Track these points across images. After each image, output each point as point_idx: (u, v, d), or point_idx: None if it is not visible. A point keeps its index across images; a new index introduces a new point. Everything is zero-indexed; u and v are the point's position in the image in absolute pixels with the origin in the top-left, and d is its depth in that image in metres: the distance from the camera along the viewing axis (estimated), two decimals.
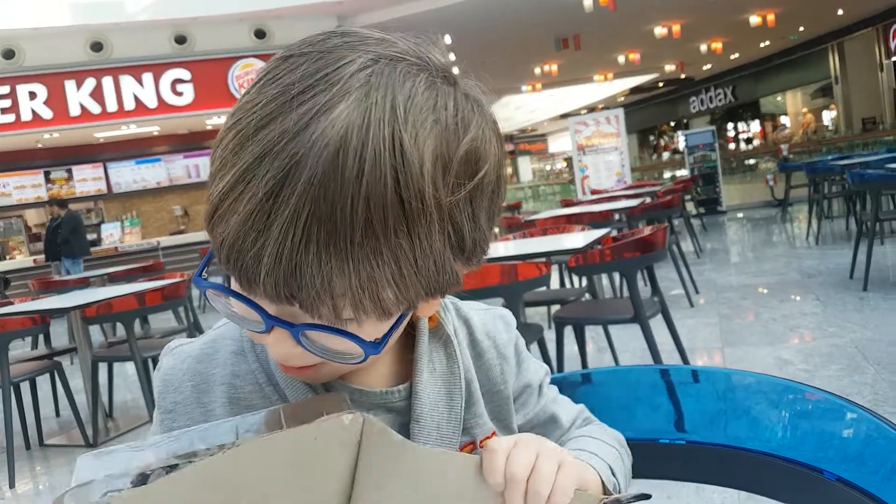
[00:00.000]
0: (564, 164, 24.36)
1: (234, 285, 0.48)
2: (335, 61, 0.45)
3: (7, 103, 10.47)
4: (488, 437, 0.64)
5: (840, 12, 14.16)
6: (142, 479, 0.42)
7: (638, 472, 0.78)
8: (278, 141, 0.43)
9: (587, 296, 3.64)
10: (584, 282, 4.11)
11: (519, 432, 0.68)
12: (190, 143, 13.41)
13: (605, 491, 0.58)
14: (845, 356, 3.27)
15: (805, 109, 19.97)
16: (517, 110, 21.92)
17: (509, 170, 29.21)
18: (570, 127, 11.10)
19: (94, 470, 0.43)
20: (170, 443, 0.46)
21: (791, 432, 0.79)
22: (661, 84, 21.24)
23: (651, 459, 0.82)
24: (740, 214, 10.98)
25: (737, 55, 17.71)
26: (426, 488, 0.48)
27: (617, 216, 5.11)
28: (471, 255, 0.50)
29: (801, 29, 15.54)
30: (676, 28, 12.75)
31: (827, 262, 5.67)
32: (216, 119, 12.12)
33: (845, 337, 3.56)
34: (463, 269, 0.51)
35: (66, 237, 8.79)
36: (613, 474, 0.63)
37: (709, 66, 18.92)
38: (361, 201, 0.42)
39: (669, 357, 3.18)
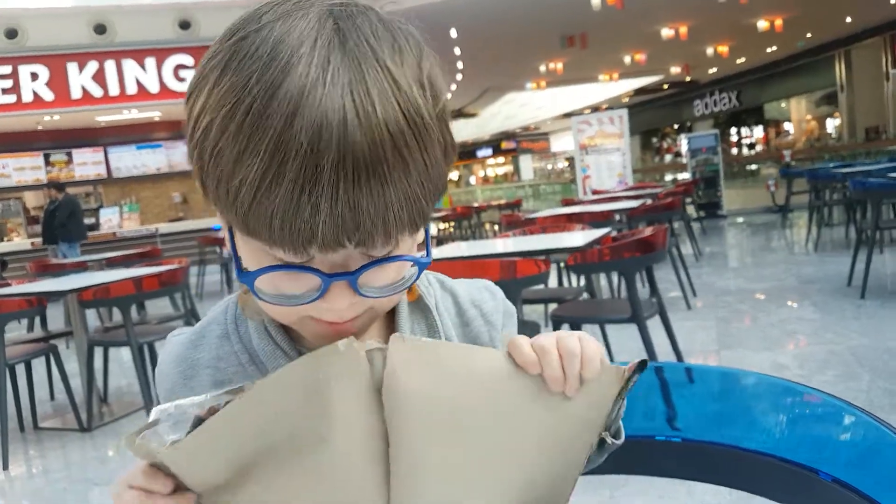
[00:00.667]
0: (566, 163, 24.33)
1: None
2: (298, 19, 0.51)
3: (8, 84, 10.44)
4: None
5: (848, 20, 14.13)
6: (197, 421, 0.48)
7: (633, 468, 0.78)
8: (293, 112, 0.47)
9: (585, 295, 3.63)
10: (583, 281, 4.11)
11: None
12: None
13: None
14: (841, 362, 3.28)
15: (809, 116, 19.95)
16: (521, 107, 21.88)
17: (510, 168, 29.21)
18: (574, 126, 11.08)
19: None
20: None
21: (788, 432, 0.79)
22: (665, 86, 21.20)
23: (646, 456, 0.81)
24: (740, 219, 10.99)
25: (743, 59, 17.67)
26: (460, 387, 0.51)
27: (617, 217, 5.10)
28: (450, 159, 0.56)
29: (809, 35, 15.50)
30: (683, 30, 12.71)
31: (825, 269, 5.68)
32: None
33: (842, 344, 3.57)
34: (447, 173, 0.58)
35: (63, 221, 8.77)
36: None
37: (714, 69, 18.89)
38: (385, 134, 0.48)
39: (665, 359, 3.18)
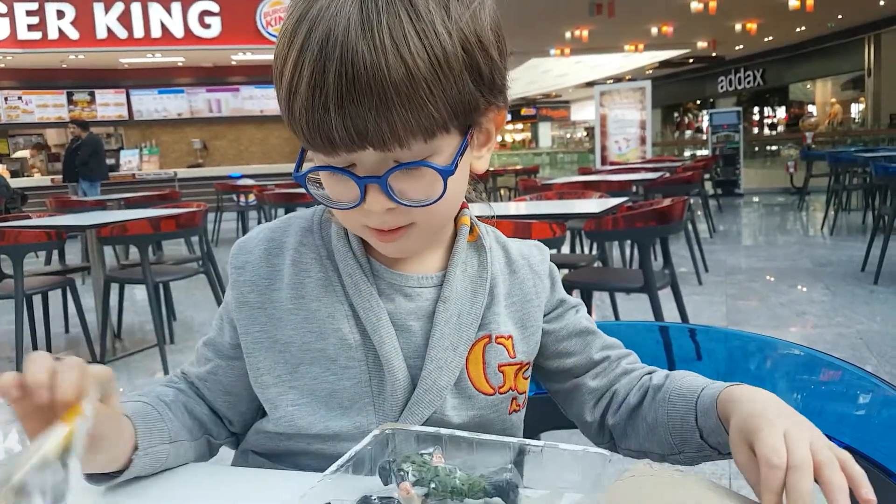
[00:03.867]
0: (585, 133, 24.05)
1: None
2: None
3: (34, 20, 10.40)
4: (502, 337, 0.75)
5: (881, 2, 13.74)
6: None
7: None
8: (312, 27, 0.56)
9: (598, 263, 3.64)
10: (595, 250, 4.11)
11: (557, 338, 0.79)
12: (214, 76, 13.31)
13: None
14: (849, 346, 3.29)
15: (833, 100, 19.55)
16: (543, 74, 21.56)
17: (528, 135, 28.92)
18: (596, 95, 10.93)
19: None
20: None
21: (803, 400, 0.81)
22: (691, 60, 20.80)
23: None
24: (757, 199, 10.89)
25: (770, 38, 17.26)
26: None
27: (634, 188, 5.08)
28: (486, 79, 0.61)
29: (840, 17, 15.10)
30: (713, 4, 12.40)
31: (840, 254, 5.65)
32: (241, 55, 12.00)
33: (851, 327, 3.57)
34: (489, 101, 0.63)
35: (85, 159, 8.79)
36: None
37: (741, 46, 18.47)
38: (387, 41, 0.54)
39: None
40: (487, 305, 0.73)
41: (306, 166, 0.65)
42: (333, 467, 0.54)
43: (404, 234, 0.65)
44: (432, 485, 0.53)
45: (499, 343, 0.74)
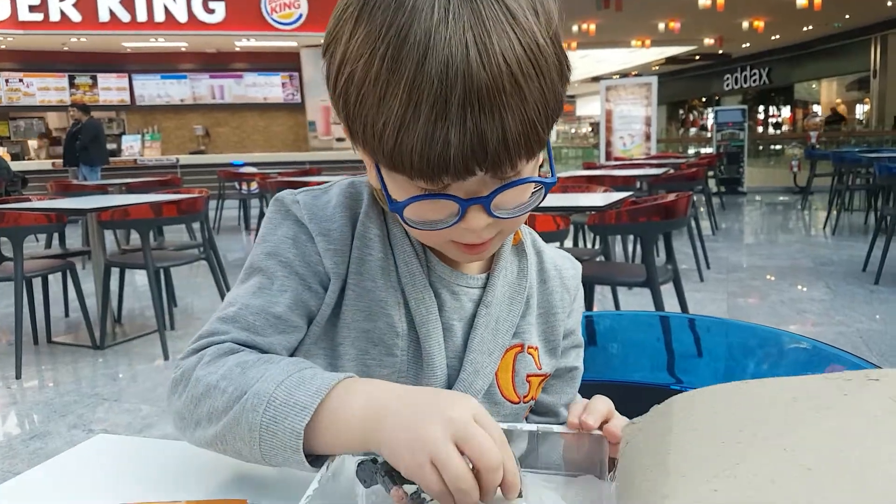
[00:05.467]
0: (590, 128, 23.99)
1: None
2: None
3: (36, 1, 10.34)
4: (532, 348, 0.75)
5: (889, 3, 13.68)
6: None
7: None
8: (423, 54, 0.52)
9: (601, 258, 3.63)
10: (599, 245, 4.10)
11: (552, 373, 0.79)
12: (217, 62, 13.26)
13: None
14: (850, 344, 3.28)
15: (839, 100, 19.50)
16: None
17: None
18: (602, 90, 10.88)
19: None
20: None
21: None
22: (697, 57, 20.73)
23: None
24: (760, 197, 10.87)
25: (777, 36, 17.20)
26: None
27: (639, 183, 5.06)
28: (566, 77, 0.59)
29: (847, 17, 15.04)
30: (721, 1, 12.36)
31: (841, 253, 5.64)
32: (245, 41, 11.95)
33: (852, 326, 3.57)
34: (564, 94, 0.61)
35: (85, 144, 8.75)
36: None
37: (748, 44, 18.41)
38: (503, 66, 0.52)
39: None
40: (522, 314, 0.73)
41: (396, 192, 0.60)
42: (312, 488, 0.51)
43: (489, 245, 0.64)
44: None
45: (529, 353, 0.74)
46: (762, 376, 0.88)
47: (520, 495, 0.50)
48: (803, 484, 0.39)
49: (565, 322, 0.78)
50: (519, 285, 0.73)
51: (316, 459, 0.55)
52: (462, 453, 0.48)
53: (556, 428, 0.61)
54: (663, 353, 1.01)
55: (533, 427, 0.61)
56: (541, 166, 0.64)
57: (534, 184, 0.61)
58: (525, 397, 0.74)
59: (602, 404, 0.62)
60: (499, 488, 0.49)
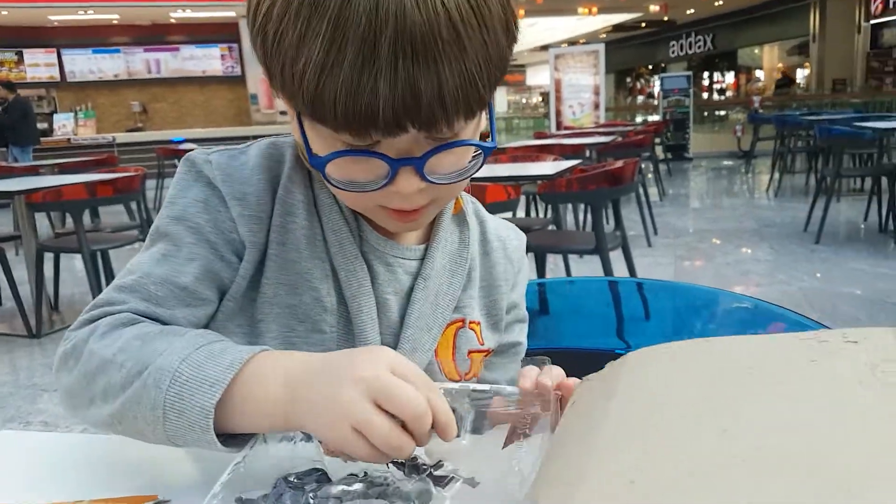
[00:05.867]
0: (541, 98, 24.09)
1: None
2: None
3: None
4: (473, 323, 0.71)
5: None
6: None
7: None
8: None
9: (552, 227, 3.64)
10: (549, 214, 4.12)
11: (495, 348, 0.75)
12: (152, 35, 12.77)
13: None
14: (792, 303, 3.37)
15: (780, 65, 19.99)
16: None
17: None
18: (550, 58, 10.88)
19: None
20: None
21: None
22: (643, 24, 20.92)
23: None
24: (705, 162, 11.10)
25: (721, 2, 17.48)
26: None
27: (588, 152, 5.09)
28: (512, 36, 0.55)
29: None
30: None
31: (783, 215, 5.80)
32: (181, 13, 11.51)
33: (794, 285, 3.67)
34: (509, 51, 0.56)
35: (13, 123, 8.36)
36: None
37: (692, 10, 18.66)
38: (440, 10, 0.48)
39: None
40: (463, 287, 0.69)
41: (320, 146, 0.55)
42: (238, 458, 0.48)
43: (422, 213, 0.60)
44: None
45: (471, 328, 0.70)
46: (708, 336, 0.87)
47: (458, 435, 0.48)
48: (732, 479, 0.33)
49: (508, 295, 0.74)
50: (460, 256, 0.69)
51: (230, 439, 0.50)
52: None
53: (509, 389, 0.57)
54: (613, 318, 1.01)
55: (486, 387, 0.57)
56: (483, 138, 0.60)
57: (473, 148, 0.57)
58: (467, 375, 0.70)
59: (557, 370, 0.59)
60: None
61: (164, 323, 0.58)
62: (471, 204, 0.73)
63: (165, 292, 0.59)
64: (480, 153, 0.58)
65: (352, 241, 0.63)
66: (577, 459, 0.40)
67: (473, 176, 0.60)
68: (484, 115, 0.58)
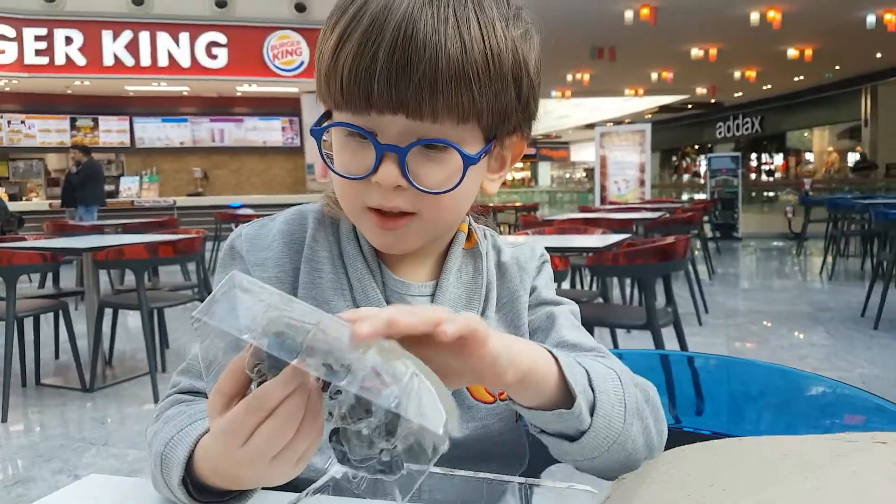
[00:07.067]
0: (584, 174, 24.26)
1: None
2: None
3: (42, 45, 10.53)
4: None
5: (879, 55, 14.02)
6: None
7: None
8: (382, 4, 0.57)
9: (599, 299, 3.61)
10: (596, 287, 4.09)
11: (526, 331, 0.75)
12: (218, 107, 13.42)
13: (565, 382, 0.55)
14: None
15: (831, 148, 19.81)
16: (546, 115, 21.77)
17: (528, 174, 29.16)
18: (596, 136, 11.04)
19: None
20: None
21: (815, 425, 0.78)
22: (689, 106, 21.12)
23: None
24: (755, 242, 10.92)
25: (769, 86, 17.58)
26: None
27: (635, 227, 5.08)
28: (520, 82, 0.61)
29: (837, 67, 15.40)
30: (713, 51, 12.66)
31: (838, 299, 5.63)
32: (247, 87, 12.12)
33: (853, 371, 3.53)
34: (519, 122, 0.64)
35: (84, 184, 8.80)
36: (591, 383, 0.58)
37: (740, 93, 18.80)
38: (450, 15, 0.57)
39: None
40: (482, 312, 0.71)
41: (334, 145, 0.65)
42: (311, 488, 0.50)
43: (404, 226, 0.63)
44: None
45: None
46: (777, 419, 0.86)
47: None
48: None
49: (527, 294, 0.75)
50: (475, 283, 0.72)
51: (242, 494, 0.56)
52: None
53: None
54: (664, 394, 0.98)
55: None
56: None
57: (461, 169, 0.61)
58: (501, 394, 0.69)
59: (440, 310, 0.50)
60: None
61: (205, 394, 0.65)
62: (490, 238, 0.77)
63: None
64: (462, 167, 0.61)
65: (374, 287, 0.68)
66: None
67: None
68: (498, 175, 0.68)
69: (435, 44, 0.55)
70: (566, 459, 0.59)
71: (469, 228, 0.74)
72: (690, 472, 0.46)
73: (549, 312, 0.74)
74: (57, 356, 4.31)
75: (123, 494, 0.65)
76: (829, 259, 7.19)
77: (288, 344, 0.40)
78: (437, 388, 0.40)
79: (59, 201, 9.76)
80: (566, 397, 0.55)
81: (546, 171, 28.96)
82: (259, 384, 0.45)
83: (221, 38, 10.94)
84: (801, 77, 16.39)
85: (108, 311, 3.97)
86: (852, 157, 18.65)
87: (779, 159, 22.14)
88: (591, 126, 18.04)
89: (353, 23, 0.57)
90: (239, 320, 0.41)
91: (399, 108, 0.57)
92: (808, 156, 20.88)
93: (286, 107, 13.07)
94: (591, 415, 0.56)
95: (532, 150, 28.63)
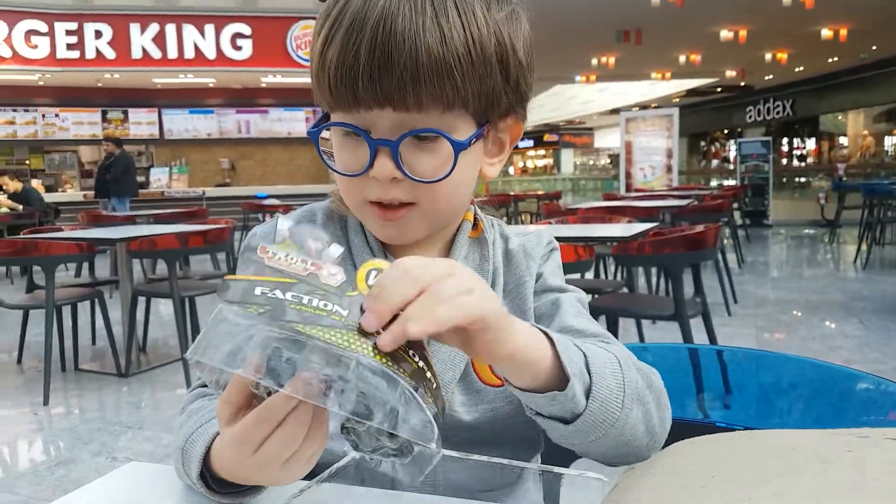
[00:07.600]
0: (609, 160, 23.98)
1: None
2: None
3: (73, 39, 10.72)
4: None
5: None
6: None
7: None
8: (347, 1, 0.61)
9: (625, 289, 3.59)
10: (621, 277, 4.05)
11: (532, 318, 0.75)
12: (244, 98, 13.55)
13: (560, 364, 0.55)
14: None
15: (866, 132, 19.31)
16: (569, 100, 21.63)
17: (550, 161, 28.93)
18: (622, 121, 10.91)
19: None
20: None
21: (849, 420, 0.77)
22: (718, 89, 20.72)
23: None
24: (785, 230, 10.73)
25: (801, 68, 17.14)
26: None
27: (662, 215, 5.00)
28: (508, 71, 0.63)
29: (874, 48, 14.96)
30: (743, 33, 12.38)
31: (873, 288, 5.52)
32: (271, 77, 12.20)
33: (888, 364, 3.47)
34: (511, 104, 0.66)
35: (117, 176, 8.96)
36: (588, 366, 0.57)
37: (770, 76, 18.37)
38: (427, 5, 0.59)
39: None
40: None
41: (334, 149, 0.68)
42: (317, 479, 0.52)
43: (405, 216, 0.66)
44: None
45: None
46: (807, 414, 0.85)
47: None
48: None
49: (532, 280, 0.76)
50: (482, 270, 0.73)
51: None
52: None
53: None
54: (692, 389, 0.97)
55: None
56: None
57: (453, 156, 0.62)
58: None
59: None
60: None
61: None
62: (497, 227, 0.78)
63: None
64: (453, 155, 0.62)
65: None
66: None
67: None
68: (498, 159, 0.69)
69: (414, 36, 0.57)
70: (564, 443, 0.59)
71: (475, 217, 0.75)
72: (696, 463, 0.47)
73: (555, 299, 0.75)
74: (94, 342, 4.42)
75: (161, 481, 0.68)
76: (864, 247, 7.04)
77: (283, 368, 0.43)
78: (431, 391, 0.43)
79: (93, 192, 9.96)
80: (561, 380, 0.55)
81: (569, 158, 28.70)
82: (267, 393, 0.47)
83: (246, 29, 11.03)
84: (836, 58, 15.95)
85: (142, 300, 4.06)
86: (889, 141, 18.17)
87: (811, 144, 21.64)
88: (615, 111, 17.82)
89: (336, 24, 0.60)
90: (233, 358, 0.43)
91: (385, 103, 0.59)
92: (843, 140, 20.38)
93: (310, 97, 12.91)
94: (588, 398, 0.56)
95: (555, 137, 28.37)
